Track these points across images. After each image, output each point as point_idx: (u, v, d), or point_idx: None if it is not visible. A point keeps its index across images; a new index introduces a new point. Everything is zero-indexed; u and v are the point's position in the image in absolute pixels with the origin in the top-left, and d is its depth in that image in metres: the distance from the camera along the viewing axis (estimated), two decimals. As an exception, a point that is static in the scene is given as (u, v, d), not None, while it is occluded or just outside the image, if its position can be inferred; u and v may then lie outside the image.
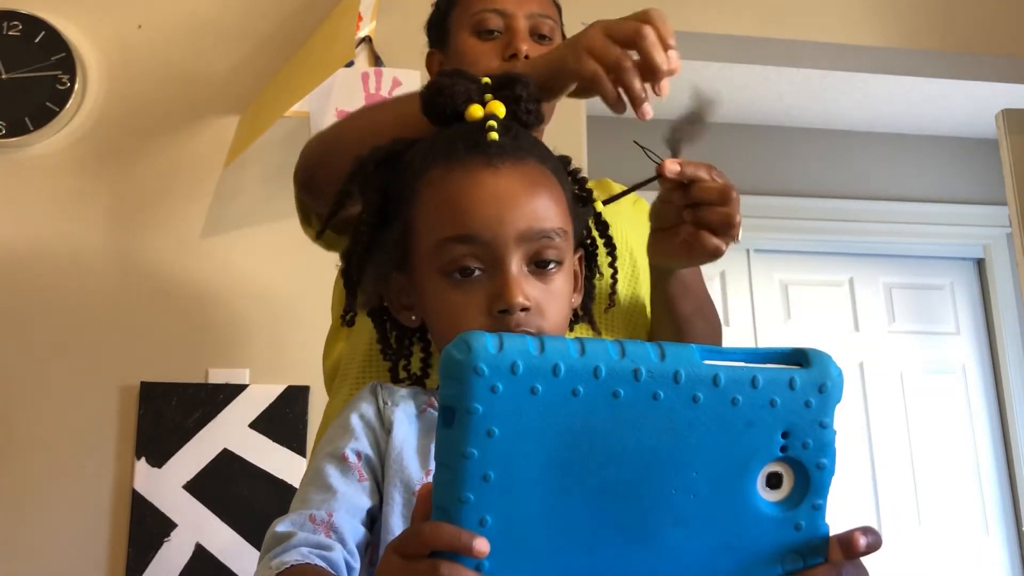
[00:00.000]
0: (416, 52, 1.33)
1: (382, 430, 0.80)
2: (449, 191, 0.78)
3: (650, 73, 0.85)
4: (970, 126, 3.31)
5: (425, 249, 0.79)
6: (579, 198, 0.88)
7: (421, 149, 0.83)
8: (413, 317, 0.85)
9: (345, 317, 0.88)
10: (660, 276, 1.02)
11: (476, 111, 0.82)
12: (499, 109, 0.82)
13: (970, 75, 2.53)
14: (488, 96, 0.83)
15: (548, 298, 0.77)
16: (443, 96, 0.82)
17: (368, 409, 0.82)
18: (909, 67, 2.48)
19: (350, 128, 1.03)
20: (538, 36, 1.16)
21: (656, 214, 0.95)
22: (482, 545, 0.50)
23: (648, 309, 1.12)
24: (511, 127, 0.82)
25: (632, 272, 1.11)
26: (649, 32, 0.85)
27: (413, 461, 0.78)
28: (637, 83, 0.85)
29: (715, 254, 0.92)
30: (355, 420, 0.81)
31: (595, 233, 0.91)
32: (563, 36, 1.23)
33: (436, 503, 0.52)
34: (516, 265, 0.76)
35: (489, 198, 0.76)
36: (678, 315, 1.04)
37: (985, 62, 2.43)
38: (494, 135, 0.79)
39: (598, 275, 0.92)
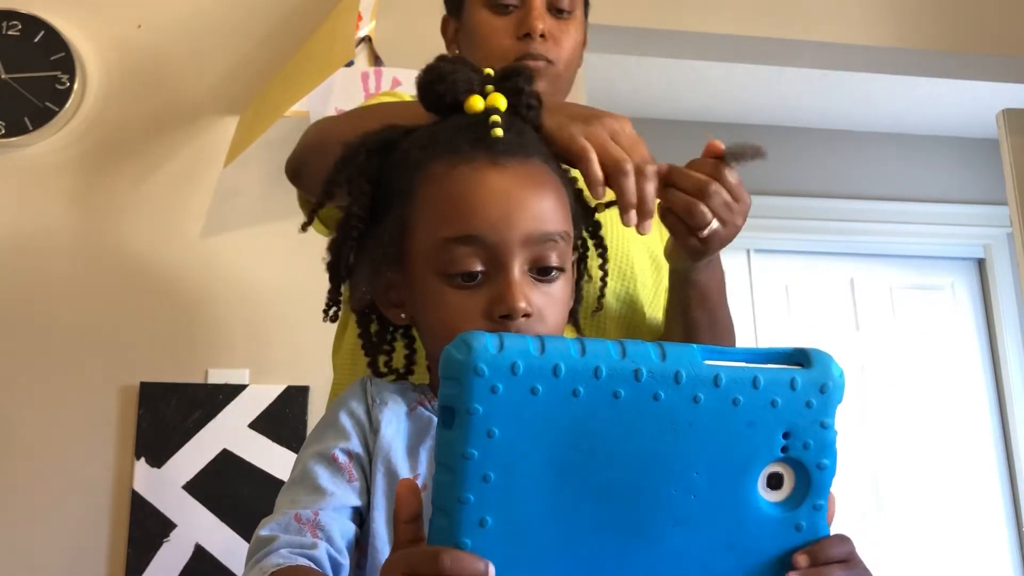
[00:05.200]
0: (416, 52, 1.33)
1: (370, 430, 0.78)
2: (452, 189, 0.75)
3: (642, 207, 0.83)
4: (970, 126, 3.32)
5: (424, 248, 0.76)
6: (579, 200, 0.86)
7: (419, 140, 0.80)
8: (403, 315, 0.82)
9: (328, 312, 0.85)
10: (677, 280, 1.00)
11: (477, 103, 0.79)
12: (500, 102, 0.79)
13: (970, 75, 2.53)
14: (489, 88, 0.80)
15: (549, 303, 0.75)
16: (444, 84, 0.79)
17: (358, 407, 0.79)
18: (909, 67, 2.49)
19: (343, 125, 0.99)
20: (556, 11, 1.12)
21: (663, 217, 0.95)
22: None
23: (647, 313, 1.10)
24: (514, 122, 0.79)
25: (630, 274, 1.09)
26: (652, 172, 0.83)
27: (403, 463, 0.76)
28: (631, 185, 0.82)
29: (691, 247, 0.90)
30: (344, 418, 0.78)
31: (585, 234, 0.89)
32: (586, 11, 1.19)
33: (436, 503, 0.52)
34: (519, 269, 0.73)
35: (495, 198, 0.74)
36: (689, 323, 1.02)
37: (985, 62, 2.43)
38: (498, 131, 0.76)
39: (587, 278, 0.90)
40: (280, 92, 1.87)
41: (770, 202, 3.18)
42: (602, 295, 0.95)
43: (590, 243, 0.90)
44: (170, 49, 2.00)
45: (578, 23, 1.15)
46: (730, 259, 3.26)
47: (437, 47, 1.22)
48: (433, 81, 0.80)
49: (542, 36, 1.09)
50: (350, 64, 1.97)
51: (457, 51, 1.20)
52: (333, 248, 0.83)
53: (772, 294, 3.29)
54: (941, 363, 3.32)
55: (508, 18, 1.11)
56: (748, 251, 3.27)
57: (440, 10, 1.26)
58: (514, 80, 0.81)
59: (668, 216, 0.89)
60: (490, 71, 0.82)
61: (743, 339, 3.47)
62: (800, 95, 3.13)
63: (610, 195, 0.85)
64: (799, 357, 0.54)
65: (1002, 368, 3.30)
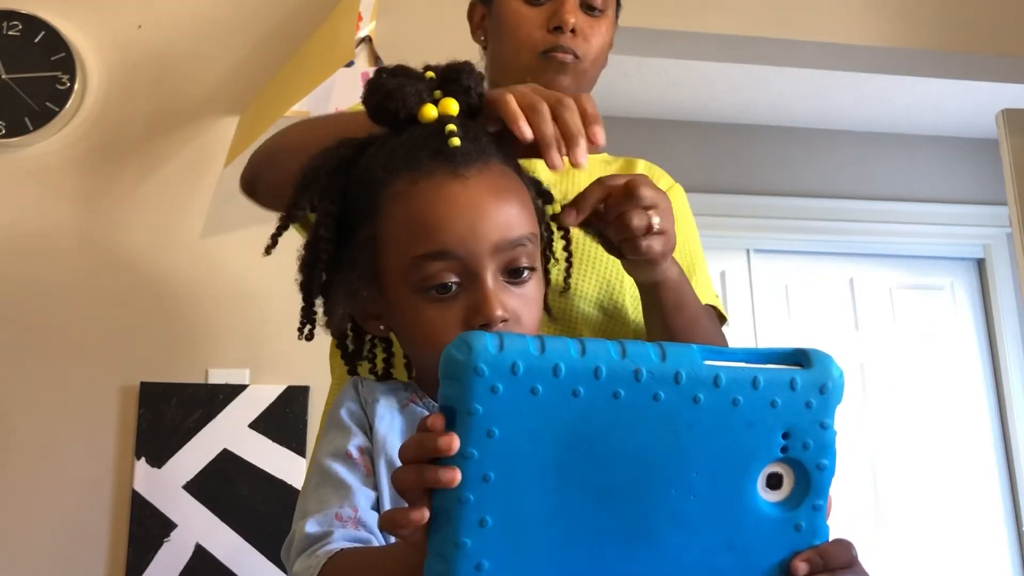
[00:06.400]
0: (416, 52, 1.33)
1: (368, 426, 0.80)
2: (417, 206, 0.75)
3: (567, 136, 0.80)
4: (970, 126, 3.32)
5: (396, 266, 0.77)
6: (540, 193, 0.86)
7: (379, 157, 0.80)
8: (382, 327, 0.83)
9: (303, 330, 0.85)
10: (646, 293, 0.97)
11: (430, 112, 0.79)
12: (452, 107, 0.79)
13: (970, 75, 2.53)
14: (437, 93, 0.80)
15: (523, 304, 0.76)
16: (393, 100, 0.79)
17: (354, 406, 0.81)
18: (909, 67, 2.48)
19: (292, 138, 1.00)
20: (588, 7, 1.12)
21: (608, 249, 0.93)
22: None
23: (632, 325, 1.09)
24: (468, 126, 0.79)
25: (619, 286, 1.07)
26: (571, 102, 0.81)
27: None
28: (548, 125, 0.79)
29: (640, 253, 0.86)
30: (346, 417, 0.80)
31: (551, 223, 0.89)
32: (617, 13, 1.19)
33: (436, 503, 0.52)
34: (492, 277, 0.74)
35: (460, 212, 0.74)
36: (672, 330, 0.98)
37: (985, 62, 2.43)
38: (456, 140, 0.76)
39: (553, 260, 0.90)
40: (280, 92, 1.88)
41: (770, 202, 3.18)
42: (568, 275, 0.94)
43: (554, 228, 0.90)
44: (170, 49, 2.00)
45: (609, 23, 1.15)
46: (730, 259, 3.28)
47: (437, 47, 1.22)
48: (383, 99, 0.80)
49: (572, 31, 1.09)
50: (350, 64, 1.97)
51: (483, 37, 1.21)
52: (304, 269, 0.84)
53: (772, 294, 3.29)
54: (941, 363, 3.32)
55: (540, 9, 1.11)
56: (748, 251, 3.27)
57: (439, 11, 1.25)
58: (458, 78, 0.80)
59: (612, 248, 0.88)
60: (431, 73, 0.81)
61: (743, 339, 3.47)
62: (800, 95, 3.13)
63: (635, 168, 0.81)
64: (799, 357, 0.55)
65: (1002, 368, 3.30)
